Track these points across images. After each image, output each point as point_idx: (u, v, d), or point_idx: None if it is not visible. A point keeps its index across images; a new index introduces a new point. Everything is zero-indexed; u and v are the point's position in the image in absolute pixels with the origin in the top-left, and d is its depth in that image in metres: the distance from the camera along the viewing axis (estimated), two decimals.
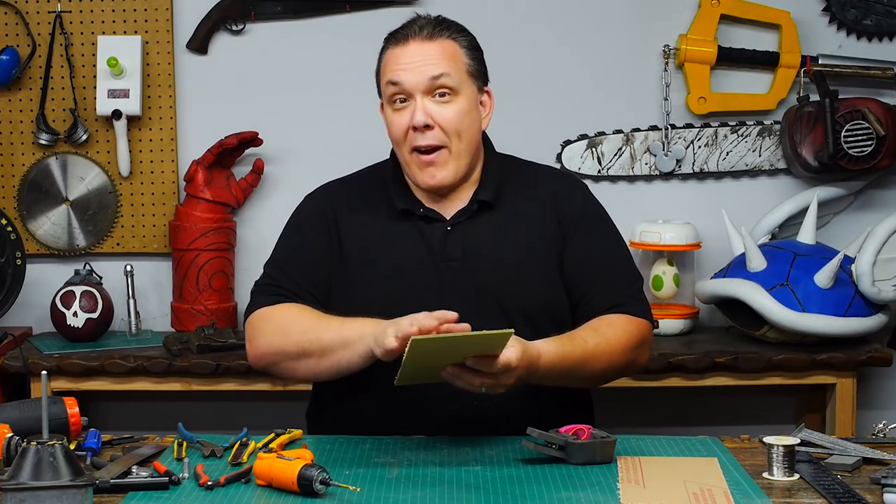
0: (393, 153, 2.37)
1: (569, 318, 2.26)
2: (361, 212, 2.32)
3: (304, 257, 2.31)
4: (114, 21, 3.28)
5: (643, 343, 2.26)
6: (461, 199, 2.31)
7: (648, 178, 3.35)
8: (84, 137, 3.29)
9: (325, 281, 2.28)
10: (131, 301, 3.20)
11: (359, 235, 2.29)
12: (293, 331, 2.19)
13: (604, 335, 2.19)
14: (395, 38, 2.27)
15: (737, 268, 3.10)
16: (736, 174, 3.36)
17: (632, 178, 3.36)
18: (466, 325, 1.98)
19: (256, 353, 2.26)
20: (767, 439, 1.96)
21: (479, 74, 2.30)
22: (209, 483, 1.86)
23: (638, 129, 3.33)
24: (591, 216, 2.35)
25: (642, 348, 2.26)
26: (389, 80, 2.24)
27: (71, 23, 3.28)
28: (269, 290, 2.29)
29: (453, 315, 1.98)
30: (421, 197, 2.31)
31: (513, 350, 1.97)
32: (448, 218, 2.29)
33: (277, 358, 2.23)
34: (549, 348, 2.09)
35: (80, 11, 3.28)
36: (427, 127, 2.21)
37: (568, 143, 3.33)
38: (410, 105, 2.23)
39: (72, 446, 1.88)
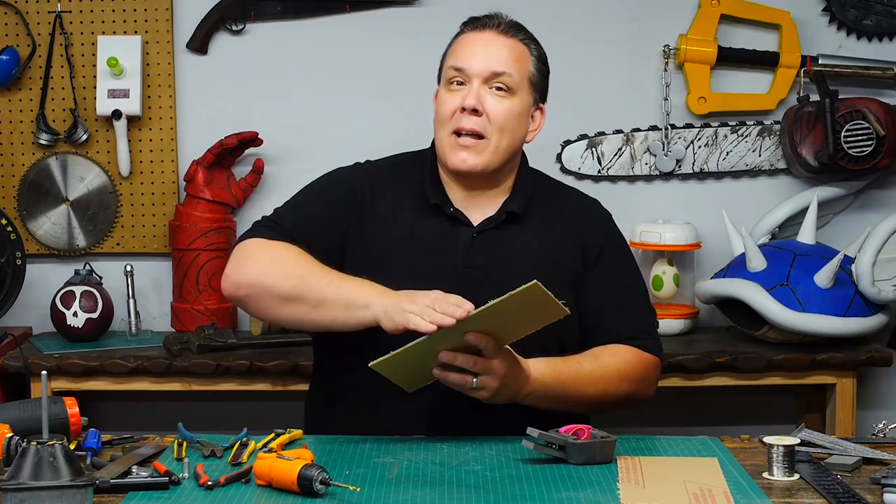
0: (434, 143, 2.36)
1: (577, 345, 2.26)
2: (393, 200, 2.31)
3: (316, 222, 2.28)
4: (114, 21, 3.28)
5: (647, 377, 2.27)
6: (491, 206, 2.31)
7: (648, 178, 3.35)
8: (84, 137, 3.29)
9: (330, 250, 2.24)
10: (131, 301, 3.20)
11: (385, 225, 2.28)
12: (292, 272, 2.15)
13: (602, 362, 2.20)
14: (473, 24, 2.30)
15: (737, 268, 3.10)
16: (736, 174, 3.36)
17: (632, 178, 3.36)
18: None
19: (240, 280, 2.19)
20: (767, 439, 1.96)
21: (539, 88, 2.33)
22: (209, 483, 1.86)
23: (638, 129, 3.33)
24: (614, 248, 2.35)
25: (645, 382, 2.27)
26: (454, 65, 2.26)
27: (71, 23, 3.28)
28: (274, 227, 2.26)
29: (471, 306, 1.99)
30: (452, 196, 2.30)
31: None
32: (475, 223, 2.29)
33: (261, 291, 2.17)
34: (538, 363, 2.11)
35: (80, 11, 3.28)
36: (475, 112, 2.22)
37: (568, 143, 3.33)
38: (465, 89, 2.24)
39: (72, 446, 1.88)
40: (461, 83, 2.25)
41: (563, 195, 2.41)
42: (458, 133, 2.24)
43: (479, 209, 2.30)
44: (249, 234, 2.26)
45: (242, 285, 2.19)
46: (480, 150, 2.24)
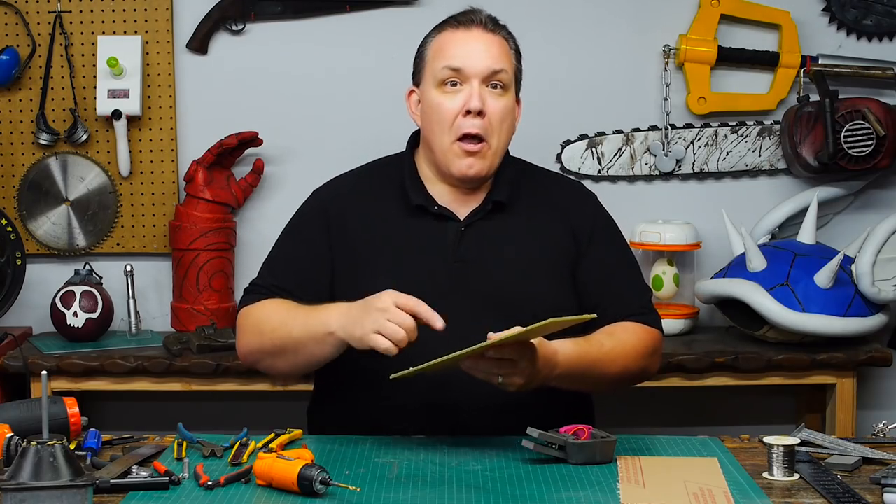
0: (409, 145, 2.37)
1: (577, 327, 2.26)
2: (373, 206, 2.31)
3: (295, 258, 2.31)
4: (114, 21, 3.29)
5: (655, 351, 2.27)
6: (475, 200, 2.31)
7: (648, 178, 3.36)
8: (84, 137, 3.29)
9: (317, 280, 2.27)
10: (131, 301, 3.20)
11: (369, 230, 2.28)
12: (267, 329, 2.20)
13: (619, 339, 2.20)
14: (458, 21, 2.28)
15: (737, 268, 3.10)
16: (736, 174, 3.36)
17: (632, 178, 3.36)
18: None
19: (241, 353, 2.29)
20: (767, 439, 1.96)
21: (519, 80, 2.33)
22: (209, 483, 1.86)
23: (638, 129, 3.33)
24: (603, 228, 2.36)
25: (654, 357, 2.27)
26: (449, 64, 2.23)
27: (71, 23, 3.28)
28: (256, 290, 2.30)
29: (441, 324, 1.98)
30: (435, 194, 2.30)
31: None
32: (462, 218, 2.29)
33: (259, 356, 2.24)
34: (566, 346, 2.09)
35: (80, 11, 3.28)
36: (480, 113, 2.22)
37: (568, 143, 3.33)
38: (464, 89, 2.23)
39: (72, 446, 1.88)
40: (455, 83, 2.24)
41: (547, 180, 2.42)
42: (461, 138, 2.23)
43: (465, 203, 2.30)
44: (241, 304, 2.31)
45: (245, 356, 2.28)
46: (484, 155, 2.24)
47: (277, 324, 2.19)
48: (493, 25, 2.29)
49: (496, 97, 2.24)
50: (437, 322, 1.98)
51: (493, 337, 1.94)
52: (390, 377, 2.00)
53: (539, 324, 1.92)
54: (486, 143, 2.24)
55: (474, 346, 1.93)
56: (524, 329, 1.92)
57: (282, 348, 2.18)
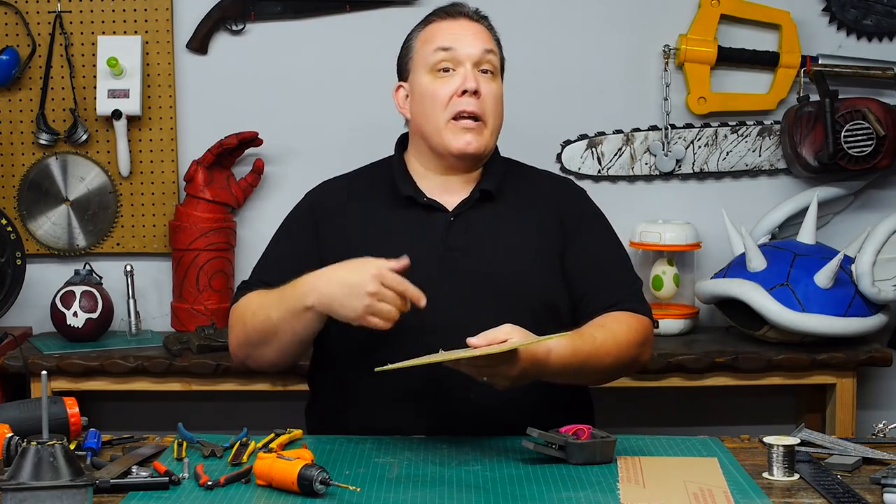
0: (398, 146, 2.39)
1: (568, 315, 2.27)
2: (364, 202, 2.34)
3: (282, 256, 2.33)
4: (114, 21, 3.28)
5: (646, 340, 2.27)
6: (463, 191, 2.33)
7: (648, 178, 3.35)
8: (84, 137, 3.29)
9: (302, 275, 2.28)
10: (131, 301, 3.20)
11: (359, 223, 2.30)
12: (248, 317, 2.22)
13: (610, 330, 2.20)
14: (446, 11, 2.35)
15: (737, 268, 3.10)
16: (736, 174, 3.36)
17: (632, 178, 3.36)
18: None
19: (231, 351, 2.30)
20: (767, 439, 1.96)
21: (503, 69, 2.38)
22: (209, 483, 1.86)
23: (638, 129, 3.33)
24: (592, 216, 2.38)
25: (645, 346, 2.27)
26: (441, 45, 2.28)
27: (71, 23, 3.28)
28: (246, 287, 2.31)
29: (406, 262, 2.04)
30: (424, 188, 2.32)
31: (515, 331, 1.99)
32: (450, 209, 2.30)
33: (247, 350, 2.25)
34: (559, 344, 2.09)
35: (80, 11, 3.28)
36: (476, 93, 2.26)
37: (568, 143, 3.33)
38: (458, 72, 2.27)
39: (72, 446, 1.88)
40: (447, 70, 2.28)
41: (536, 175, 2.45)
42: (457, 117, 2.26)
43: (453, 195, 2.32)
44: (231, 303, 2.33)
45: (235, 352, 2.29)
46: (480, 132, 2.28)
47: (256, 308, 2.20)
48: (479, 17, 2.36)
49: (487, 81, 2.29)
50: (421, 300, 2.02)
51: (467, 351, 1.95)
52: (375, 370, 2.01)
53: (507, 347, 1.95)
54: (483, 122, 2.27)
55: (450, 356, 1.96)
56: (492, 352, 1.94)
57: (264, 333, 2.18)
